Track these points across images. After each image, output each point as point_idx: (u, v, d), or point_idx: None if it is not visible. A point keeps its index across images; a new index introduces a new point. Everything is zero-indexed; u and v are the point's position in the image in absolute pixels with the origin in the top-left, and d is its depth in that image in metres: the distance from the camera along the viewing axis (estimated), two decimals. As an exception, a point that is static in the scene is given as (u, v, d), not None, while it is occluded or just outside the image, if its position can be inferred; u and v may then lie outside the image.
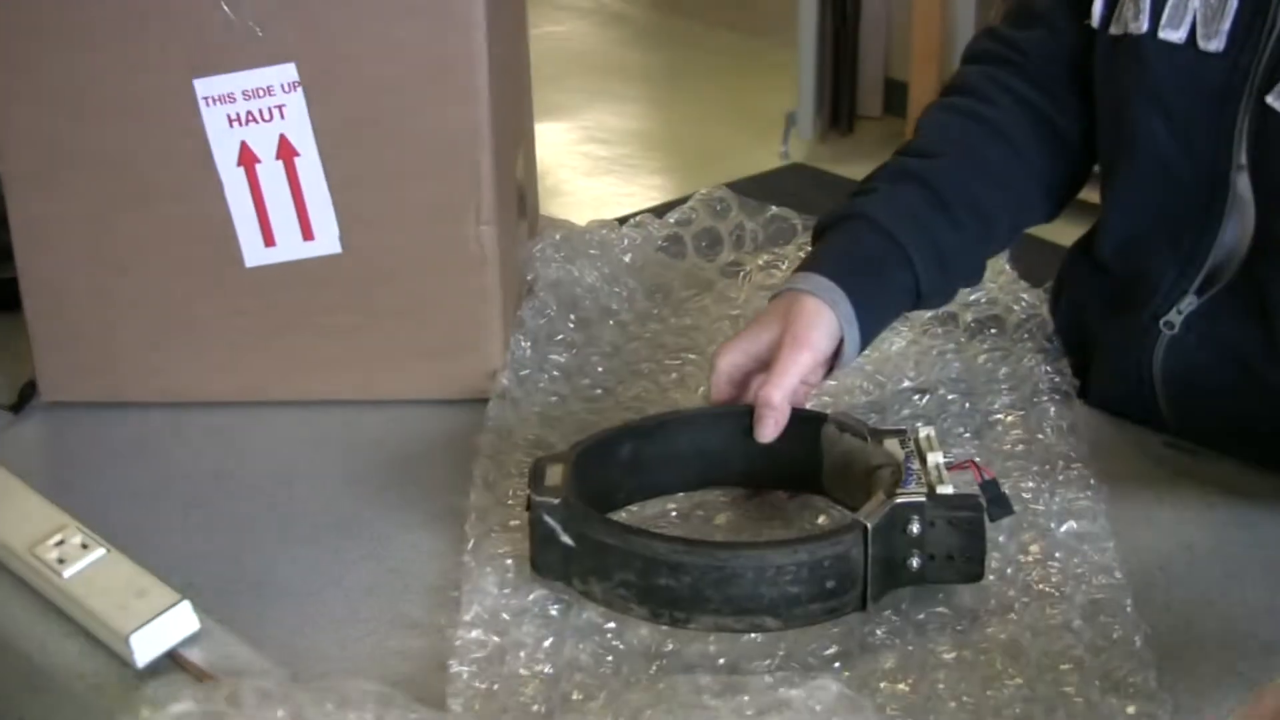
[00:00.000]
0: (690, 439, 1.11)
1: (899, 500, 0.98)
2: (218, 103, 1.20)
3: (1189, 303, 1.20)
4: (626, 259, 1.46)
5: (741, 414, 1.10)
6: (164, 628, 0.99)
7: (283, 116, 1.21)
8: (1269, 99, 1.10)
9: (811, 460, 1.10)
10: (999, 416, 1.21)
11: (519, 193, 1.39)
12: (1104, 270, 1.27)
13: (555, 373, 1.29)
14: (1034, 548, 1.07)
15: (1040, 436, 1.18)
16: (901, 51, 4.49)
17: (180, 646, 1.00)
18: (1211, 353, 1.19)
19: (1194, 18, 1.14)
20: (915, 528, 0.98)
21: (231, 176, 1.22)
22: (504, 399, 1.25)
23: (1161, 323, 1.21)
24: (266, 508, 1.17)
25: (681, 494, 1.13)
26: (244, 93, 1.20)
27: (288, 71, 1.19)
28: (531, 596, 1.02)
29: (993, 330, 1.32)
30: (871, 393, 1.25)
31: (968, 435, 1.19)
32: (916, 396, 1.25)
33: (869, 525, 0.97)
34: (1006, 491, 1.04)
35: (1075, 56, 1.24)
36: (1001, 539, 1.06)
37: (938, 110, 1.29)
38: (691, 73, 5.24)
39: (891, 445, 1.05)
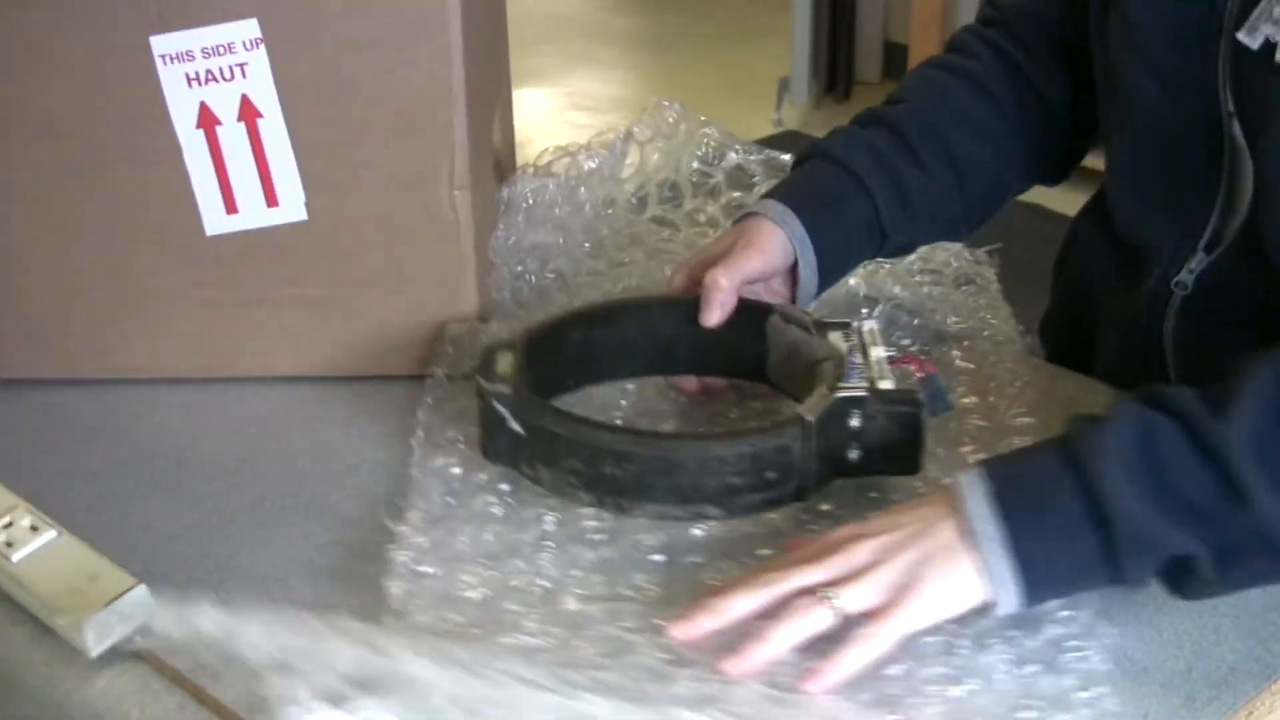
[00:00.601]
0: (640, 326, 1.17)
1: (840, 395, 1.04)
2: (175, 61, 1.19)
3: (1199, 260, 1.20)
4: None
5: (691, 303, 1.16)
6: (119, 614, 0.98)
7: (244, 75, 1.20)
8: (1240, 35, 1.11)
9: (758, 351, 1.16)
10: (949, 333, 1.29)
11: (495, 159, 1.39)
12: (1112, 236, 1.28)
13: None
14: (971, 458, 1.12)
15: (992, 359, 1.27)
16: (901, 12, 4.49)
17: (137, 634, 0.98)
18: (1225, 313, 1.19)
19: None
20: (855, 421, 1.03)
21: (190, 139, 1.22)
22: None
23: (1173, 284, 1.22)
24: (230, 489, 1.17)
25: (630, 386, 1.21)
26: (203, 50, 1.19)
27: (249, 27, 1.19)
28: (476, 503, 1.09)
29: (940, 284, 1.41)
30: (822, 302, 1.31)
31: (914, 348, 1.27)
32: (865, 310, 1.34)
33: (809, 419, 1.02)
34: (945, 387, 1.10)
35: (1058, 22, 1.30)
36: (941, 451, 1.12)
37: (922, 65, 1.35)
38: (680, 37, 5.23)
39: (835, 338, 1.11)
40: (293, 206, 1.24)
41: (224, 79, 1.20)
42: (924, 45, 4.21)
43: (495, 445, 1.07)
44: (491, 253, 1.33)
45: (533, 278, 1.37)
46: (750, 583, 0.94)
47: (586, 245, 1.43)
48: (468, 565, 1.04)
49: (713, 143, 1.49)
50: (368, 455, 1.20)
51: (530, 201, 1.42)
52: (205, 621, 0.94)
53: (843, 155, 1.25)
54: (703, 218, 1.49)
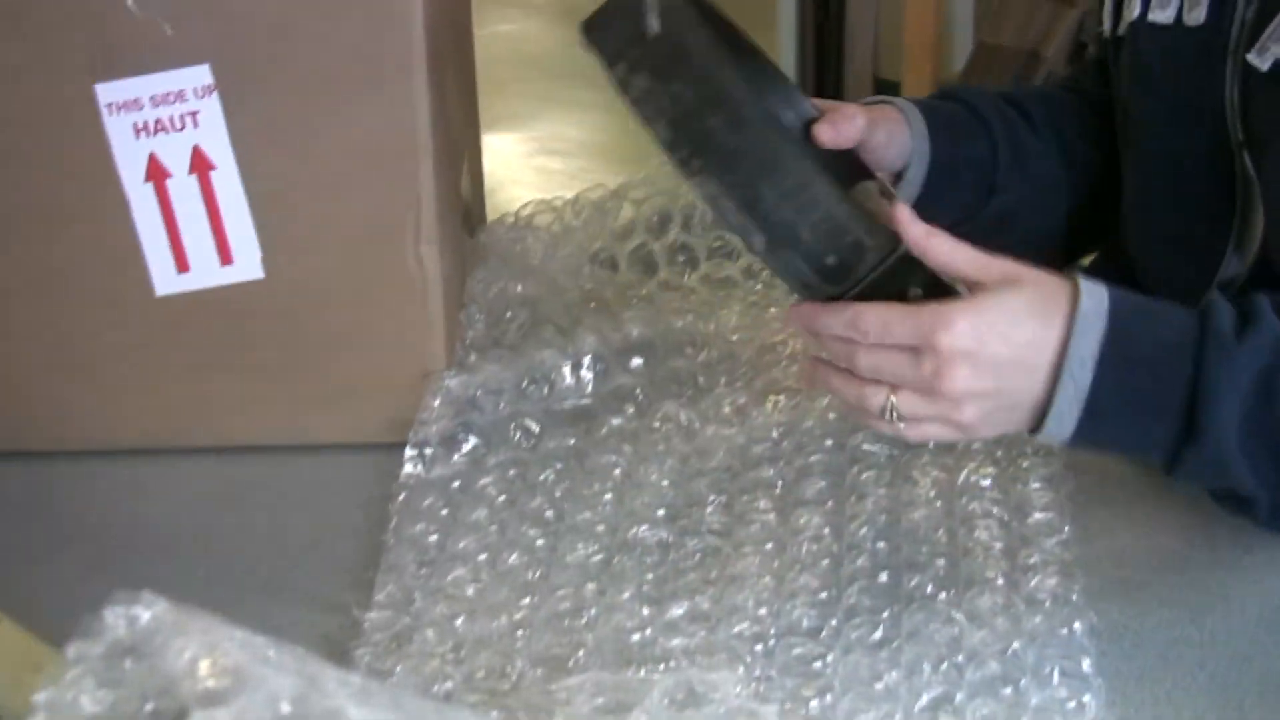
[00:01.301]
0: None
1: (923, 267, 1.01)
2: (122, 110, 1.19)
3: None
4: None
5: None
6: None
7: (196, 125, 1.20)
8: (1249, 57, 1.12)
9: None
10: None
11: (465, 209, 1.40)
12: (1125, 275, 1.28)
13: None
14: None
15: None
16: (892, 47, 4.50)
17: (84, 729, 0.96)
18: None
19: None
20: (916, 290, 1.00)
21: (139, 193, 1.21)
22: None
23: None
24: (184, 570, 1.16)
25: (672, 493, 1.19)
26: (152, 99, 1.19)
27: (201, 74, 1.19)
28: (450, 577, 1.09)
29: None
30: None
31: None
32: None
33: (902, 249, 0.99)
34: None
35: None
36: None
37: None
38: (657, 78, 5.26)
39: None
40: (248, 264, 1.24)
41: (174, 129, 1.20)
42: (918, 82, 4.21)
43: (607, 28, 1.01)
44: (466, 298, 1.33)
45: (517, 326, 1.36)
46: (848, 352, 1.00)
47: (577, 293, 1.42)
48: (433, 662, 1.02)
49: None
50: (332, 531, 1.19)
51: (513, 250, 1.42)
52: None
53: (966, 95, 1.29)
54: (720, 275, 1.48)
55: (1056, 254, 1.34)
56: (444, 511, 1.17)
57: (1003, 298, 0.98)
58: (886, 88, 4.53)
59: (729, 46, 1.04)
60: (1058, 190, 1.32)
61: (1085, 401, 0.99)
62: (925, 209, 1.17)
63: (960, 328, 0.97)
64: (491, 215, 1.58)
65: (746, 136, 0.98)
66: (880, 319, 0.98)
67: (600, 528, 1.15)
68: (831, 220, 0.98)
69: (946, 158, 1.25)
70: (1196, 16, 1.17)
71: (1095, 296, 1.00)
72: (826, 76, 4.56)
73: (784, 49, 4.46)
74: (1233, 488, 1.04)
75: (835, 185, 0.99)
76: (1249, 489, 1.03)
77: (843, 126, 1.15)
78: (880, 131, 1.21)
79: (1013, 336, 0.98)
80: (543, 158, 4.63)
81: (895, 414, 1.00)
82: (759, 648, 1.02)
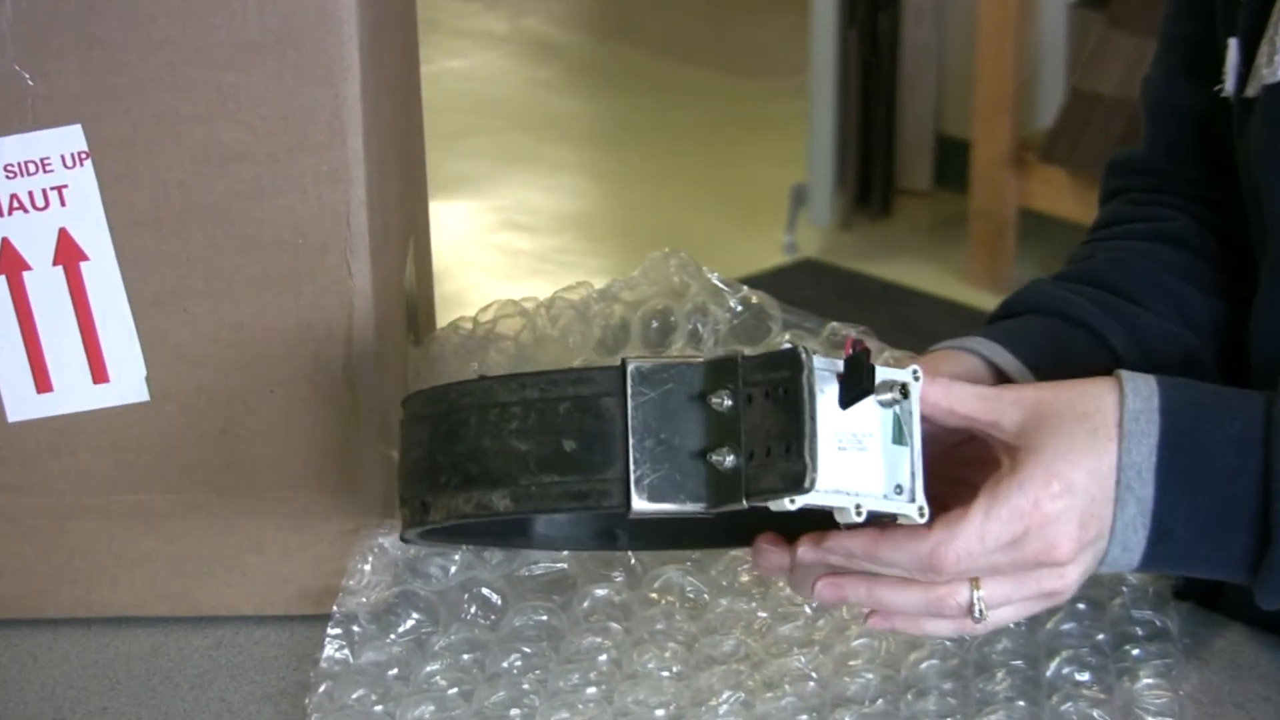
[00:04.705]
0: None
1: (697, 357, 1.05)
2: (-34, 182, 1.20)
3: None
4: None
5: None
6: None
7: (64, 203, 1.20)
8: None
9: None
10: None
11: (407, 311, 1.39)
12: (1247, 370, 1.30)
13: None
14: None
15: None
16: (959, 98, 4.53)
17: None
18: None
19: None
20: (725, 400, 1.03)
21: (-12, 290, 1.22)
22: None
23: None
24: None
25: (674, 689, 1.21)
26: (6, 169, 1.19)
27: (72, 136, 1.19)
28: None
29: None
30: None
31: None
32: None
33: (631, 365, 1.03)
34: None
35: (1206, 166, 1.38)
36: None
37: (1092, 242, 1.41)
38: (652, 129, 5.27)
39: None
40: (129, 383, 1.24)
41: (35, 207, 1.20)
42: (992, 141, 4.24)
43: None
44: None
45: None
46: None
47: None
48: None
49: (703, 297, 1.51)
50: None
51: (470, 366, 1.43)
52: None
53: (1048, 302, 1.29)
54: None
55: None
56: (378, 708, 1.16)
57: (1040, 441, 1.07)
58: (950, 147, 4.56)
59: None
60: (1203, 368, 1.31)
61: (1151, 517, 1.07)
62: None
63: (1055, 488, 1.05)
64: (441, 311, 1.58)
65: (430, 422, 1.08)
66: (970, 538, 1.05)
67: (582, 733, 1.14)
68: (534, 406, 1.04)
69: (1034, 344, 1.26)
70: None
71: (1143, 395, 1.07)
72: (874, 134, 4.57)
73: (819, 103, 4.46)
74: None
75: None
76: None
77: None
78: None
79: (1074, 476, 1.06)
80: (506, 234, 4.63)
81: (982, 608, 1.07)
82: None
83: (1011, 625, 1.20)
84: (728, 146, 5.13)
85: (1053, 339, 1.26)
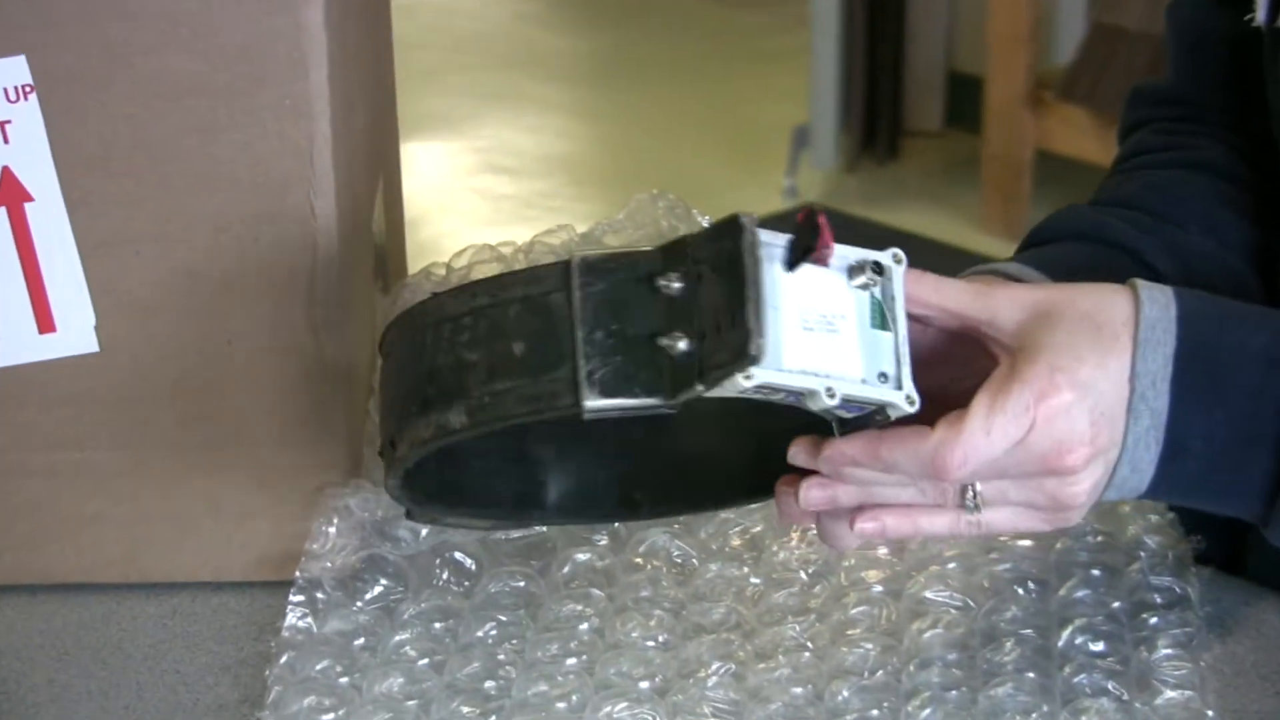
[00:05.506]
0: None
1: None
2: (-99, 120, 1.20)
3: None
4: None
5: None
6: None
7: (6, 140, 1.20)
8: None
9: None
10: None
11: (376, 257, 1.39)
12: None
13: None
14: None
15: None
16: (971, 32, 4.52)
17: None
18: None
19: None
20: (674, 283, 1.02)
21: (-76, 234, 1.22)
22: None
23: None
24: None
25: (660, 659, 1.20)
26: None
27: (15, 69, 1.18)
28: None
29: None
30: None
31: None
32: None
33: (576, 257, 1.03)
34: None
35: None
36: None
37: (1121, 170, 1.43)
38: (643, 65, 5.28)
39: None
40: (77, 333, 1.24)
41: (-24, 145, 1.20)
42: (1007, 77, 4.23)
43: None
44: (376, 384, 1.32)
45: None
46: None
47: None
48: None
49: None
50: (187, 704, 1.19)
51: None
52: None
53: (1087, 227, 1.30)
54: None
55: None
56: (343, 680, 1.17)
57: (1040, 338, 1.05)
58: (963, 84, 4.55)
59: None
60: (1249, 293, 1.32)
61: (1165, 431, 1.06)
62: None
63: (1059, 380, 1.04)
64: (414, 261, 1.59)
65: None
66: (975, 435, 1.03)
67: (561, 705, 1.14)
68: (483, 314, 1.05)
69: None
70: None
71: (1159, 303, 1.06)
72: (881, 71, 4.57)
73: (822, 37, 4.45)
74: None
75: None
76: None
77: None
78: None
79: (1080, 370, 1.05)
80: (486, 176, 4.62)
81: (977, 499, 1.06)
82: None
83: (1015, 542, 1.24)
84: (725, 83, 5.13)
85: (1092, 263, 1.26)
